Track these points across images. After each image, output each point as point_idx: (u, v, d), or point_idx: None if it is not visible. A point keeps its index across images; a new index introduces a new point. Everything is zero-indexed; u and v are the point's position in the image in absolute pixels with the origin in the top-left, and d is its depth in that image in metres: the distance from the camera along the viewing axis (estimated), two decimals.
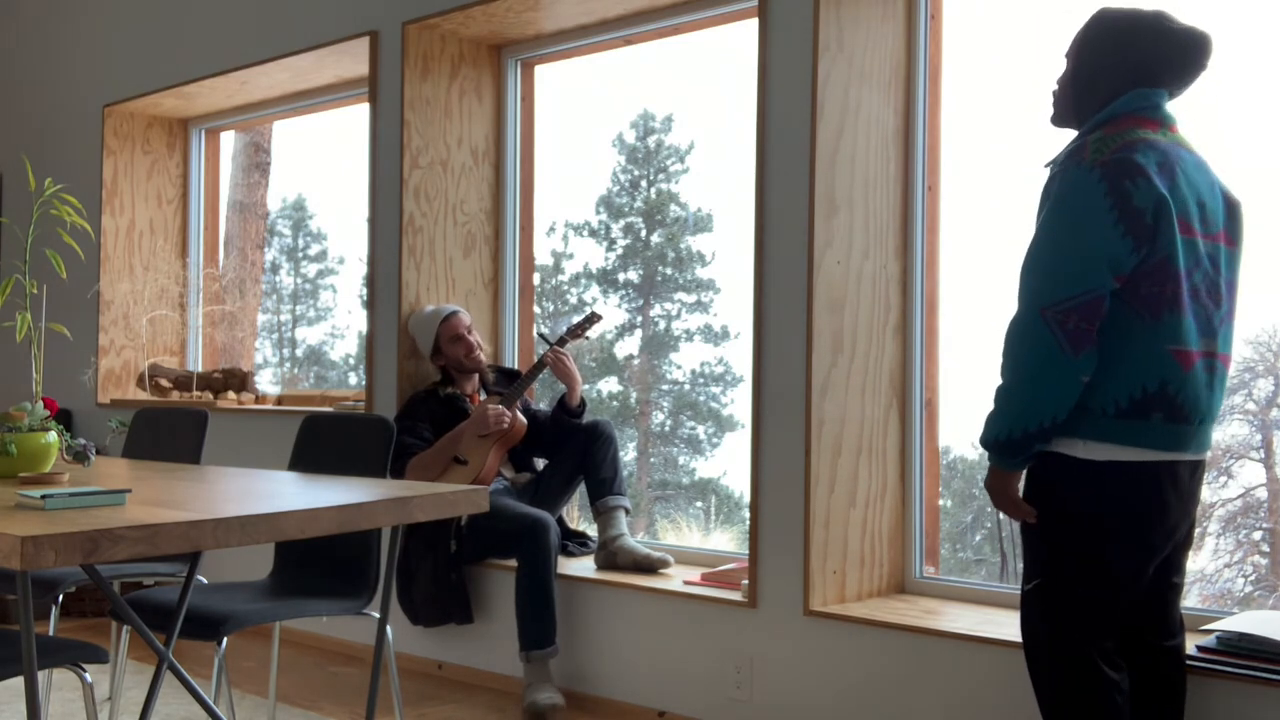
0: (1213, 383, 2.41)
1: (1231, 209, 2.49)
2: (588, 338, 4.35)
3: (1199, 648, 2.78)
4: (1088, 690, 2.37)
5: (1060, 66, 2.60)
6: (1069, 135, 2.55)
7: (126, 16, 5.76)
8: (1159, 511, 2.39)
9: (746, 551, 3.77)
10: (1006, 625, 3.19)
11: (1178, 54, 2.44)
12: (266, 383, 6.27)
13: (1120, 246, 2.29)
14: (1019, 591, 2.55)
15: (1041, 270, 2.36)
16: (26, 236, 3.05)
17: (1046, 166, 2.49)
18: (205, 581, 3.40)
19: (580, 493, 4.34)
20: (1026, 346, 2.35)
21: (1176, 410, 2.34)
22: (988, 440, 2.42)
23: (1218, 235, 2.44)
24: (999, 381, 2.42)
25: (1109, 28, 2.49)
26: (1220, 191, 2.47)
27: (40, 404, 2.84)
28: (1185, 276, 2.35)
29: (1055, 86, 2.59)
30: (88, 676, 2.56)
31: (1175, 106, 2.50)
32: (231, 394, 5.38)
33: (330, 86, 5.31)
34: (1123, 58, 2.45)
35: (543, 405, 4.59)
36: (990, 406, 2.44)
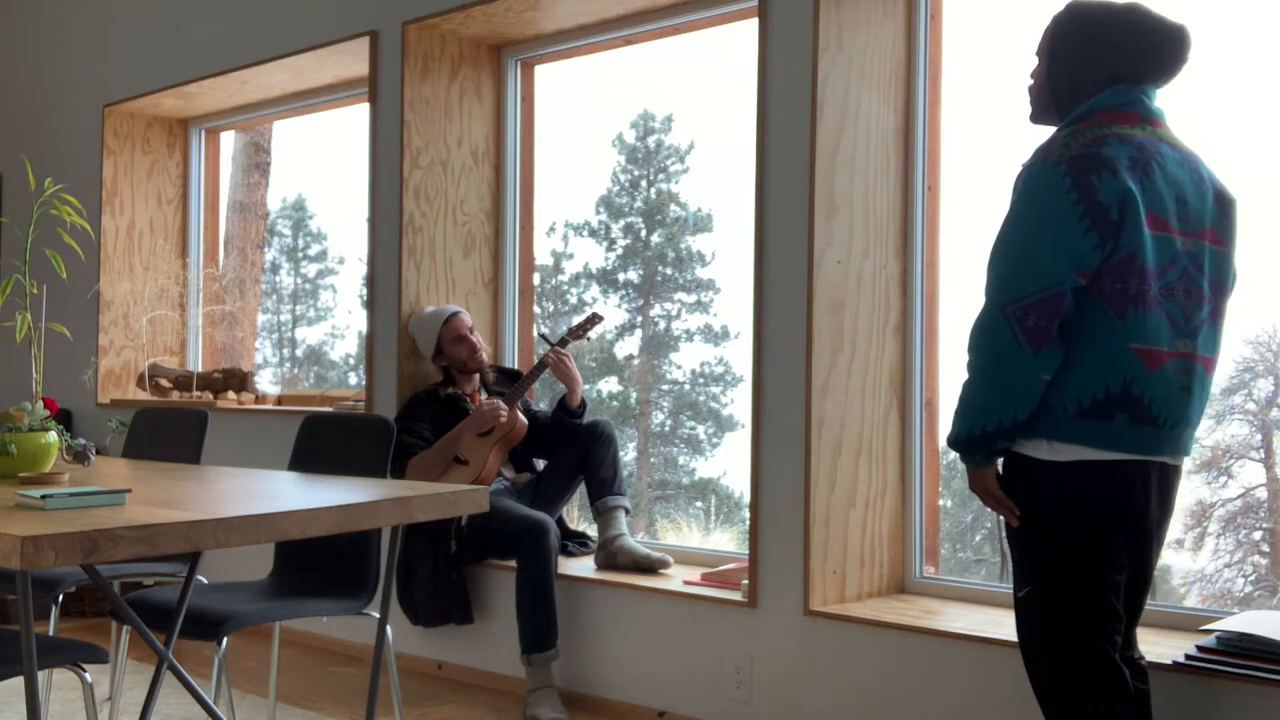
0: (1190, 386, 2.36)
1: (1224, 207, 2.44)
2: (588, 338, 4.35)
3: (1199, 647, 2.78)
4: (1091, 691, 2.36)
5: (1033, 63, 2.56)
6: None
7: (126, 16, 5.76)
8: (1127, 508, 2.35)
9: (746, 551, 3.77)
10: (1006, 625, 3.18)
11: (1155, 49, 2.40)
12: (266, 383, 6.27)
13: (1084, 241, 2.26)
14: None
15: (1002, 266, 2.34)
16: (26, 236, 3.04)
17: (1022, 167, 2.47)
18: (205, 581, 3.40)
19: (580, 493, 4.34)
20: (986, 344, 2.33)
21: (1143, 412, 2.31)
22: (951, 438, 2.42)
23: (1201, 233, 2.39)
24: (964, 378, 2.40)
25: (1083, 22, 2.45)
26: (1212, 189, 2.43)
27: (40, 404, 2.84)
28: (1156, 274, 2.31)
29: (1030, 82, 2.55)
30: (88, 676, 2.56)
31: (1169, 104, 2.48)
32: (231, 394, 5.38)
33: (330, 86, 5.31)
34: (1099, 54, 2.41)
35: (543, 406, 4.59)
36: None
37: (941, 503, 3.80)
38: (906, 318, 3.71)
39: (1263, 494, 3.54)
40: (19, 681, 2.26)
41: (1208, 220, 2.41)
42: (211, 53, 5.29)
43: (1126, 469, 2.34)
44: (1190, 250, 2.37)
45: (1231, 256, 2.47)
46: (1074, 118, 2.41)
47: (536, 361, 4.33)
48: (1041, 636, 2.41)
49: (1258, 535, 3.61)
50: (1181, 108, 2.55)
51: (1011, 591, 2.48)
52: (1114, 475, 2.34)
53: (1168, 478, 2.43)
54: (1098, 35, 2.43)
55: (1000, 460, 2.44)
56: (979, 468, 2.42)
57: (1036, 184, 2.33)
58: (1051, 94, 2.49)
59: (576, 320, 4.37)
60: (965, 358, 2.40)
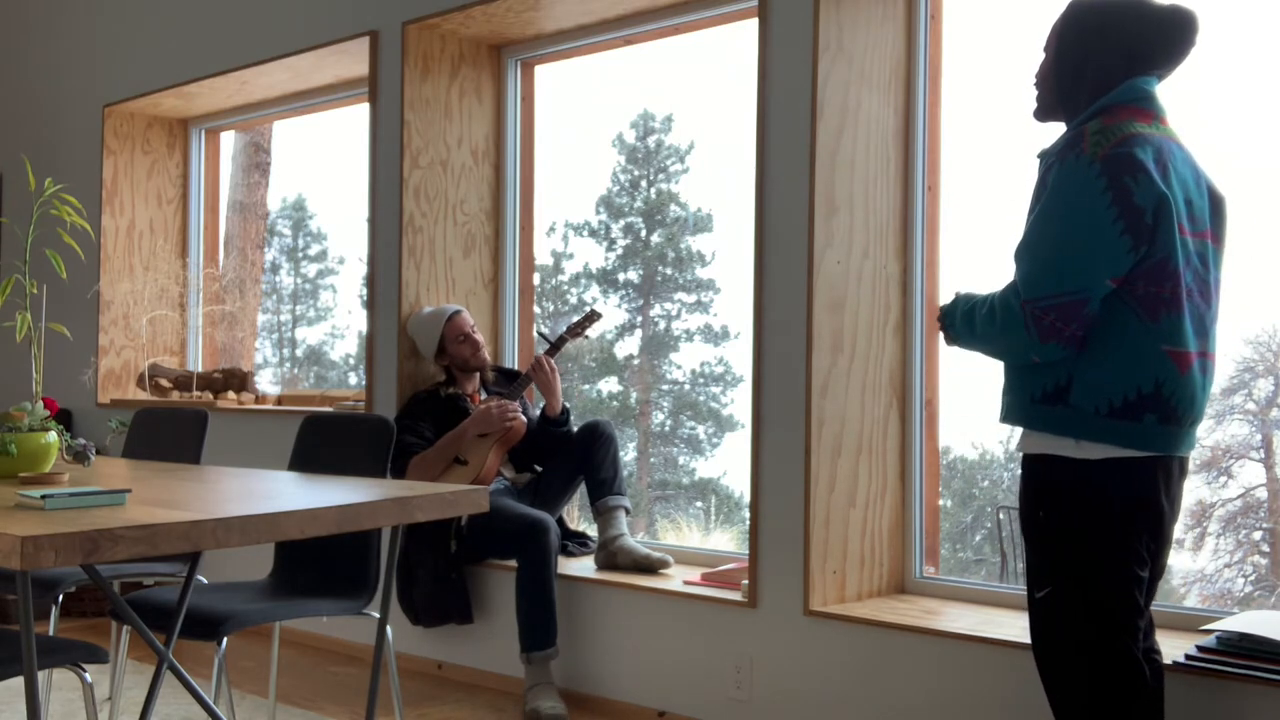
0: (1206, 384, 2.40)
1: (1217, 205, 2.46)
2: (587, 336, 4.35)
3: (1199, 647, 2.78)
4: (1115, 689, 2.35)
5: (1039, 59, 2.57)
6: (1062, 129, 2.52)
7: (126, 16, 5.76)
8: (1151, 503, 2.37)
9: (746, 551, 3.77)
10: (1006, 625, 3.19)
11: (1165, 35, 2.41)
12: (266, 383, 6.28)
13: (1118, 246, 2.26)
14: (1020, 592, 2.54)
15: (1030, 262, 2.34)
16: (26, 236, 3.04)
17: (1039, 156, 2.45)
18: (205, 581, 3.40)
19: (580, 493, 4.34)
20: (999, 319, 2.37)
21: (1170, 412, 2.33)
22: (945, 321, 2.55)
23: (1205, 233, 2.41)
24: (981, 310, 2.44)
25: (1091, 14, 2.45)
26: (1207, 187, 2.44)
27: (40, 404, 2.84)
28: (1182, 276, 2.33)
29: (1035, 79, 2.55)
30: (88, 676, 2.56)
31: (1169, 103, 2.48)
32: (231, 394, 5.38)
33: (330, 86, 5.31)
34: (1110, 44, 2.41)
35: (540, 409, 4.59)
36: (996, 393, 2.50)
37: (941, 503, 3.80)
38: (906, 318, 3.71)
39: (1263, 494, 3.54)
40: (19, 681, 2.26)
41: (1208, 219, 2.42)
42: (211, 53, 5.29)
43: (1152, 465, 2.35)
44: (1199, 250, 2.39)
45: (1223, 254, 2.48)
46: (1094, 111, 2.40)
47: (534, 362, 4.33)
48: (1066, 635, 2.40)
49: (1258, 535, 3.61)
50: (1181, 107, 2.55)
51: (1012, 591, 2.48)
52: (1138, 471, 2.35)
53: (1182, 471, 2.46)
54: (1108, 25, 2.43)
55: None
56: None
57: (1069, 180, 2.31)
58: (1058, 88, 2.49)
59: (575, 319, 4.37)
60: (984, 300, 2.44)
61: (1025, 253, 2.36)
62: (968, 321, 2.48)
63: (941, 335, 2.60)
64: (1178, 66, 2.46)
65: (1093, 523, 2.36)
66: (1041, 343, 2.32)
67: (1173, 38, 2.42)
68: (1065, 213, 2.31)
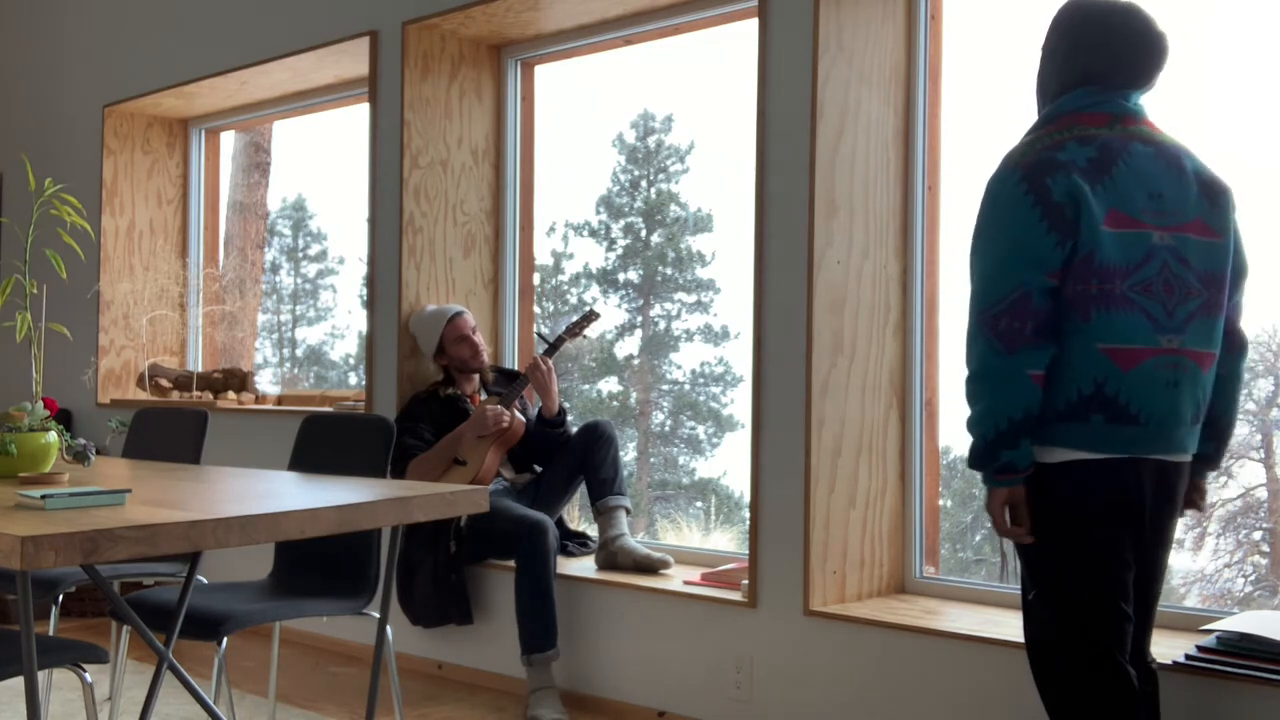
0: (1178, 381, 2.33)
1: (1213, 197, 2.42)
2: (586, 336, 4.34)
3: (1199, 647, 2.78)
4: (1096, 693, 2.35)
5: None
6: None
7: (126, 16, 5.76)
8: (1122, 506, 2.34)
9: (746, 551, 3.77)
10: (1006, 625, 3.19)
11: (1127, 54, 2.40)
12: (266, 383, 6.27)
13: (1045, 242, 2.29)
14: (1019, 593, 2.54)
15: (975, 278, 2.38)
16: (26, 236, 3.05)
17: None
18: (205, 581, 3.40)
19: (581, 493, 4.34)
20: (972, 356, 2.36)
21: (1120, 411, 2.30)
22: (969, 456, 2.40)
23: (1183, 226, 2.36)
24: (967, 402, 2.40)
25: (1067, 21, 2.47)
26: (1197, 179, 2.40)
27: (40, 404, 2.84)
28: (1125, 272, 2.29)
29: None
30: (88, 676, 2.56)
31: (1172, 102, 2.48)
32: (231, 394, 5.38)
33: (330, 86, 5.31)
34: (1073, 53, 2.43)
35: (538, 409, 4.59)
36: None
37: (941, 503, 3.80)
38: (906, 318, 3.71)
39: (1263, 494, 3.54)
40: (19, 681, 2.26)
41: (1192, 212, 2.38)
42: (211, 53, 5.29)
43: (1117, 467, 2.33)
44: (1170, 244, 2.35)
45: (1228, 246, 2.44)
46: (1040, 121, 2.46)
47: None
48: (1046, 638, 2.41)
49: (1258, 535, 3.61)
50: (1182, 107, 2.55)
51: (1012, 591, 2.49)
52: (1103, 474, 2.33)
53: (1167, 475, 2.40)
54: (1073, 35, 2.46)
55: (1015, 485, 2.38)
56: (995, 487, 2.38)
57: (995, 193, 2.38)
58: (1039, 91, 2.53)
59: (574, 319, 4.37)
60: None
61: (969, 270, 2.40)
62: (968, 421, 2.38)
63: (986, 482, 2.40)
64: (1146, 85, 2.44)
65: (1060, 526, 2.35)
66: (1009, 354, 2.29)
67: (1134, 58, 2.40)
68: (992, 221, 2.36)
